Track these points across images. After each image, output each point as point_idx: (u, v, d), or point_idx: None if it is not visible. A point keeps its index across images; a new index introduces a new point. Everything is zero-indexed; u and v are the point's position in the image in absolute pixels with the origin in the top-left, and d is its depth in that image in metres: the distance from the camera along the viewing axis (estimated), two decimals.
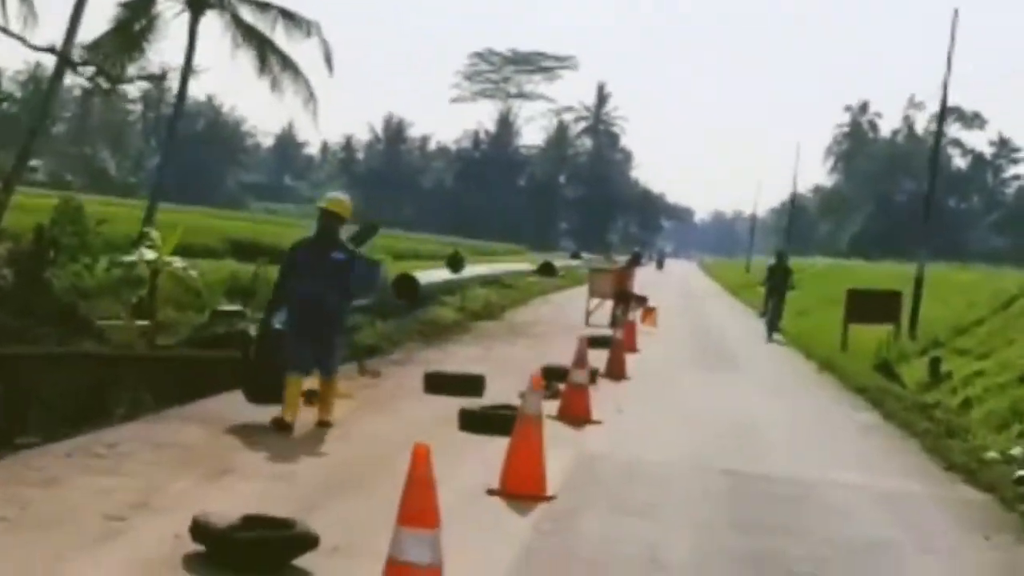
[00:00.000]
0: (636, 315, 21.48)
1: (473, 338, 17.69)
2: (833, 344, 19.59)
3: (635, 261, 25.11)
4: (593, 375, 11.56)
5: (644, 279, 53.02)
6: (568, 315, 23.60)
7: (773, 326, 22.78)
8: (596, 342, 13.45)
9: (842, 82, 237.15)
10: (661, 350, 18.54)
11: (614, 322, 19.20)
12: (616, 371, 13.93)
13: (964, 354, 16.70)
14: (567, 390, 10.44)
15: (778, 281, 23.12)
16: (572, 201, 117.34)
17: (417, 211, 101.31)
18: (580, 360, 10.40)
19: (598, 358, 12.85)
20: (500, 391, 10.77)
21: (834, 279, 35.04)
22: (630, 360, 14.83)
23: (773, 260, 24.87)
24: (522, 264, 41.71)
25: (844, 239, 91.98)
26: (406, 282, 19.91)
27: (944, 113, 21.44)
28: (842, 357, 18.32)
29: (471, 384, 10.96)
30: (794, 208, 68.57)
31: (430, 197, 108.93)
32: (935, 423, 11.48)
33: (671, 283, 51.18)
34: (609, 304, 22.38)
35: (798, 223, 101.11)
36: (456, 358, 14.25)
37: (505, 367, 13.08)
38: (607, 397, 11.66)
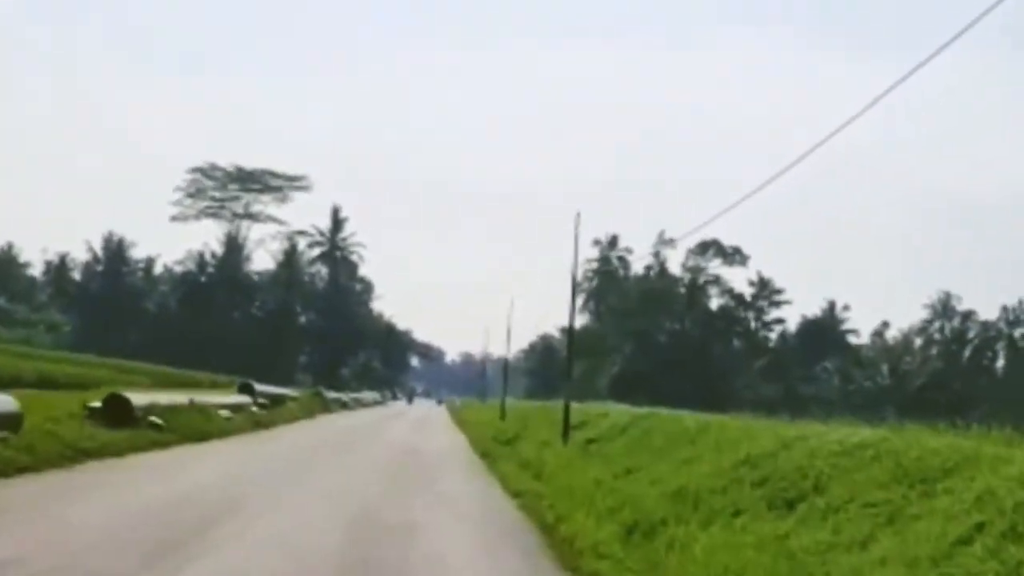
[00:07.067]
0: None
1: None
2: None
3: None
4: None
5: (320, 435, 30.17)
6: None
7: None
8: None
9: (590, 216, 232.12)
10: None
11: None
12: None
13: None
14: None
15: None
16: (309, 332, 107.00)
17: (142, 338, 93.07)
18: None
19: None
20: None
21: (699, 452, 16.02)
22: None
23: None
24: None
25: (602, 382, 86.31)
26: None
27: None
28: None
29: None
30: (571, 342, 41.18)
31: (155, 323, 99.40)
32: None
33: (382, 434, 37.17)
34: None
35: (551, 366, 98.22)
36: None
37: None
38: None
